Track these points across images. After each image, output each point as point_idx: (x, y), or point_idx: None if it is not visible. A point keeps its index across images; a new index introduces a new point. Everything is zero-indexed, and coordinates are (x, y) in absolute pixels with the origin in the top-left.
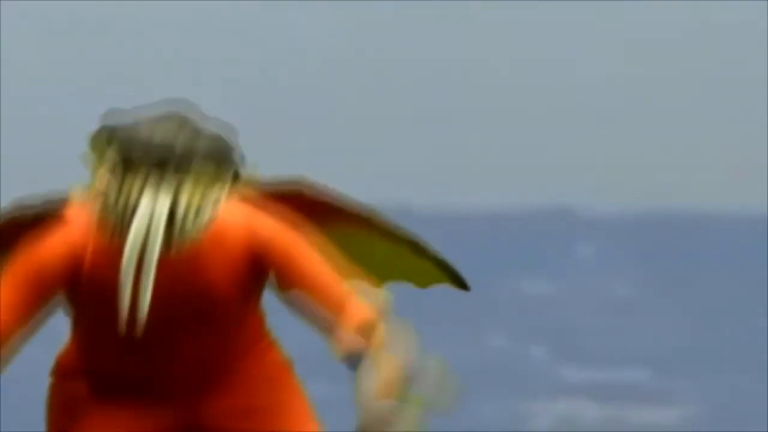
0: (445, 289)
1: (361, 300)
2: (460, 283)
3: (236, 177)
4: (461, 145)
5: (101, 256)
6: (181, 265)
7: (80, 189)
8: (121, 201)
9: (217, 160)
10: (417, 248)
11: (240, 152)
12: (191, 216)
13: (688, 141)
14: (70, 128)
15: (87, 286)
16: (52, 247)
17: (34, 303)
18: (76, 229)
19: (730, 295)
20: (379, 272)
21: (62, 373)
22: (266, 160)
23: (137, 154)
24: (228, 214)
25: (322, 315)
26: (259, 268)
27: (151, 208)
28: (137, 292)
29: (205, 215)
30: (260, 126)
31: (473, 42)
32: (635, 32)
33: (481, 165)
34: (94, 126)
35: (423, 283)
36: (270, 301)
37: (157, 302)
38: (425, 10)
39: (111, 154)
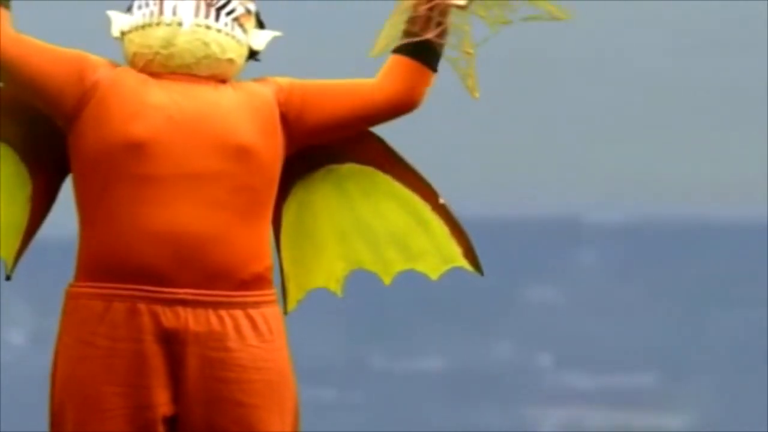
0: (450, 297)
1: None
2: (478, 268)
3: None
4: (465, 151)
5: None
6: (209, 101)
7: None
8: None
9: None
10: (455, 227)
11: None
12: (223, 14)
13: (692, 148)
14: None
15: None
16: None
17: (57, 60)
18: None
19: (735, 301)
20: (399, 248)
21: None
22: None
23: None
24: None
25: (361, 97)
26: (284, 117)
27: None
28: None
29: (234, 16)
30: None
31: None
32: (637, 33)
33: (485, 172)
34: None
35: (436, 269)
36: None
37: (183, 135)
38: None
39: None
